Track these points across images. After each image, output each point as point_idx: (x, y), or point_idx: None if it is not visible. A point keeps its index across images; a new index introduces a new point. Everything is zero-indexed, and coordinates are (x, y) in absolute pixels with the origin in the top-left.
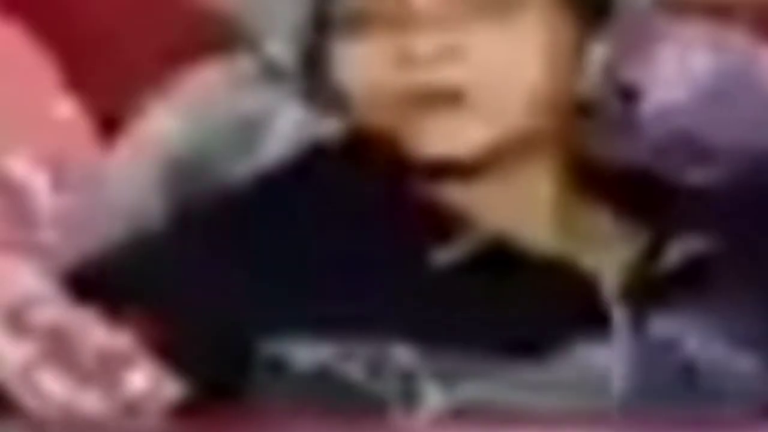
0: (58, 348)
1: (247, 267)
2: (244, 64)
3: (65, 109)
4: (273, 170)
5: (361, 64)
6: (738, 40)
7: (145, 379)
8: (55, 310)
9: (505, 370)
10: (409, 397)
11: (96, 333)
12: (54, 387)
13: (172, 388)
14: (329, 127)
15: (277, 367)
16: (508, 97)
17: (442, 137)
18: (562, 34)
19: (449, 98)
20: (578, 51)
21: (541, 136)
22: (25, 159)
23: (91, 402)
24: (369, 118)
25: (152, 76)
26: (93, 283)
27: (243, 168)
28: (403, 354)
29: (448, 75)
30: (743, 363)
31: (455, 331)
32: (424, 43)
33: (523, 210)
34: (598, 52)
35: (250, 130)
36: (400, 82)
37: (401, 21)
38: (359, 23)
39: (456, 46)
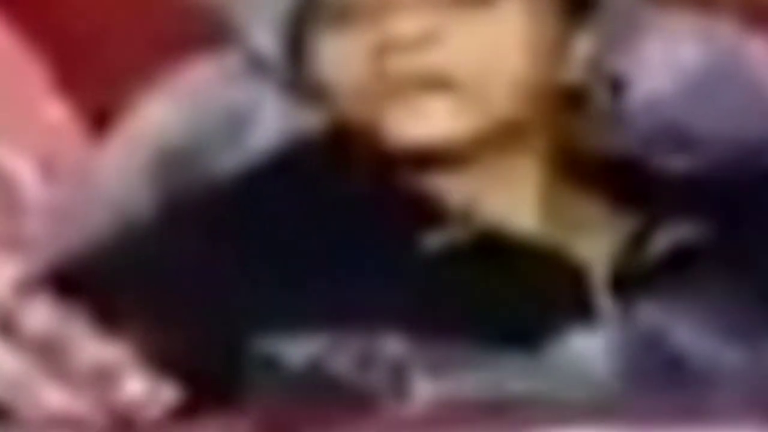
0: (52, 357)
1: (235, 261)
2: (230, 57)
3: (55, 110)
4: (259, 163)
5: (344, 55)
6: (725, 30)
7: (139, 387)
8: (46, 311)
9: (494, 360)
10: (400, 388)
11: (89, 340)
12: (48, 396)
13: (166, 394)
14: (313, 119)
15: (270, 364)
16: (490, 85)
17: (425, 123)
18: (545, 22)
19: (431, 84)
20: (563, 40)
21: (525, 124)
22: (12, 151)
23: (86, 411)
24: (352, 109)
25: (141, 70)
26: (81, 277)
27: (231, 160)
28: (393, 345)
29: (429, 61)
30: (732, 354)
31: (445, 322)
32: (406, 30)
33: (509, 199)
34: (584, 42)
35: (238, 122)
36: (382, 70)
37: (383, 10)
38: (341, 14)
39: (438, 32)
